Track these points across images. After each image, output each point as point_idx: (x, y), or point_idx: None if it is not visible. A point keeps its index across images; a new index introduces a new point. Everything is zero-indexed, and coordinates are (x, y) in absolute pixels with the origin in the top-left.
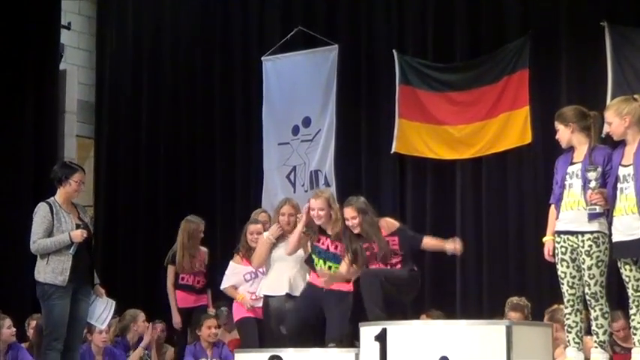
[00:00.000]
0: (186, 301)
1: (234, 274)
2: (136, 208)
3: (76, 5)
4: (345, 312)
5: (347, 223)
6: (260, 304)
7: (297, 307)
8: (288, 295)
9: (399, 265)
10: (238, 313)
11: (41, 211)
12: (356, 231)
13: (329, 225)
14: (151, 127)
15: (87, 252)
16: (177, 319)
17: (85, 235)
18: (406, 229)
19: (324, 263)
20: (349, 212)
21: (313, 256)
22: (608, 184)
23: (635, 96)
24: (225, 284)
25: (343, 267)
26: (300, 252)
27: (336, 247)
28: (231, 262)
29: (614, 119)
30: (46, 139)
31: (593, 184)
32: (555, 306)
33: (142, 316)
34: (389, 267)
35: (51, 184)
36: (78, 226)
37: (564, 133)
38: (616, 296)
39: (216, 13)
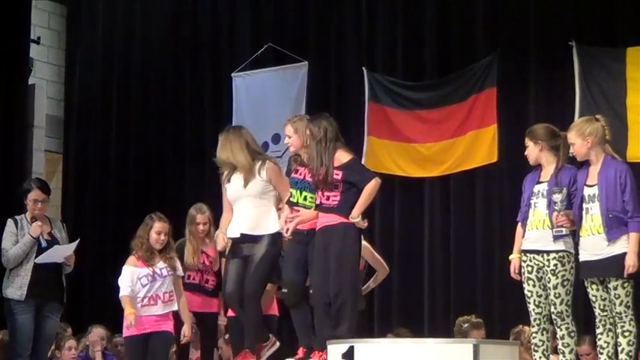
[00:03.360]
0: (191, 305)
1: (131, 279)
2: (104, 224)
3: (46, 20)
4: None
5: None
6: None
7: (292, 261)
8: (245, 236)
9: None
10: (124, 329)
11: (7, 227)
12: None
13: (302, 150)
14: (120, 142)
15: (55, 267)
16: None
17: (40, 225)
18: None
19: (300, 194)
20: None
21: (292, 191)
22: (573, 204)
23: (597, 116)
24: (123, 292)
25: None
26: (258, 189)
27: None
28: (125, 267)
29: (577, 140)
30: (14, 154)
31: (558, 206)
32: (520, 327)
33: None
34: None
35: (19, 199)
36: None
37: (533, 151)
38: (582, 316)
39: (187, 28)
